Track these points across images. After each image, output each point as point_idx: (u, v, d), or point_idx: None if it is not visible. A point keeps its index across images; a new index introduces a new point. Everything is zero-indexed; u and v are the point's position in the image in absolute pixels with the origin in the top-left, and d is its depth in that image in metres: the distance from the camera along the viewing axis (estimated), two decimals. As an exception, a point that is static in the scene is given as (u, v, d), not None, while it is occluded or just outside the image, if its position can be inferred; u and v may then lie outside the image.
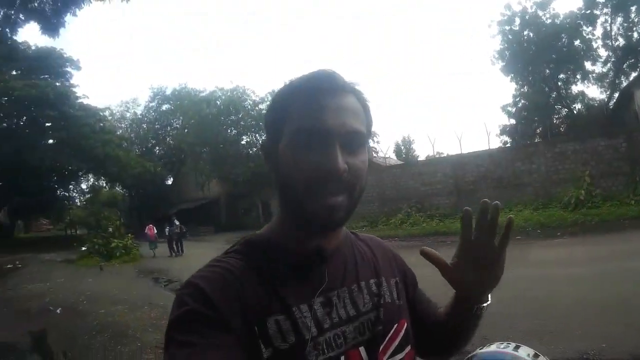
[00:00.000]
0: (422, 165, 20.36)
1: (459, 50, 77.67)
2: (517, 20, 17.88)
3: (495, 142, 24.76)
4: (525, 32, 17.89)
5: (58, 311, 7.68)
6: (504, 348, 1.05)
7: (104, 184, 35.67)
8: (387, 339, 0.76)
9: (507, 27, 18.06)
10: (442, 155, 23.53)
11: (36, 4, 6.82)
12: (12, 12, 6.75)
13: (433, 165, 19.29)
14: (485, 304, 0.82)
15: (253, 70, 77.06)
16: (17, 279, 12.52)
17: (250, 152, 27.98)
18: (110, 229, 17.01)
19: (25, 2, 6.61)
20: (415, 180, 19.04)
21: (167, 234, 17.84)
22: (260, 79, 74.50)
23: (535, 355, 1.13)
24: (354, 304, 0.75)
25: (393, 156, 32.22)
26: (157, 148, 40.11)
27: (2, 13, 6.78)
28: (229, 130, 27.88)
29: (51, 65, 24.59)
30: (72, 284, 10.74)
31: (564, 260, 8.12)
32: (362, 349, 0.72)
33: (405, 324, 0.80)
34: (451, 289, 0.84)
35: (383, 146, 46.84)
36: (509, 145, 19.42)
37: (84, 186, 36.04)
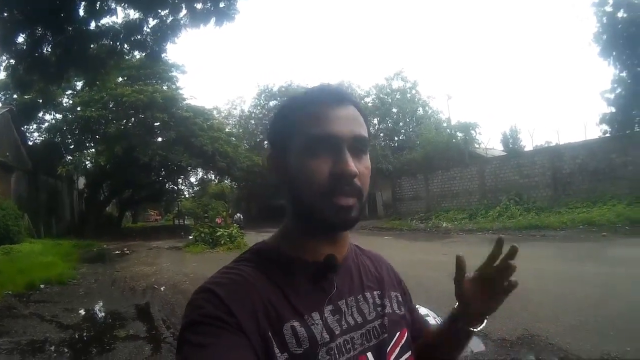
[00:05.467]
0: (520, 156, 19.74)
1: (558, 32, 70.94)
2: (611, 1, 16.18)
3: (596, 131, 22.88)
4: (620, 14, 16.12)
5: (162, 289, 8.31)
6: None
7: (213, 177, 36.29)
8: (391, 345, 0.79)
9: (601, 8, 16.38)
10: (542, 146, 22.34)
11: (139, 37, 7.51)
12: (118, 44, 7.53)
13: (530, 156, 18.71)
14: (477, 328, 0.85)
15: (355, 64, 77.87)
16: (125, 263, 13.03)
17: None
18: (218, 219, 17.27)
19: (129, 35, 7.38)
20: (514, 172, 18.67)
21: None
22: (363, 73, 75.27)
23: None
24: (360, 312, 0.78)
25: (500, 147, 30.86)
26: (265, 142, 39.95)
27: (109, 45, 7.52)
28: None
29: (157, 71, 25.41)
30: (177, 267, 11.23)
31: (635, 259, 7.83)
32: (369, 354, 0.75)
33: (406, 333, 0.84)
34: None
35: (484, 137, 44.83)
36: (608, 135, 17.93)
37: (193, 179, 37.05)
